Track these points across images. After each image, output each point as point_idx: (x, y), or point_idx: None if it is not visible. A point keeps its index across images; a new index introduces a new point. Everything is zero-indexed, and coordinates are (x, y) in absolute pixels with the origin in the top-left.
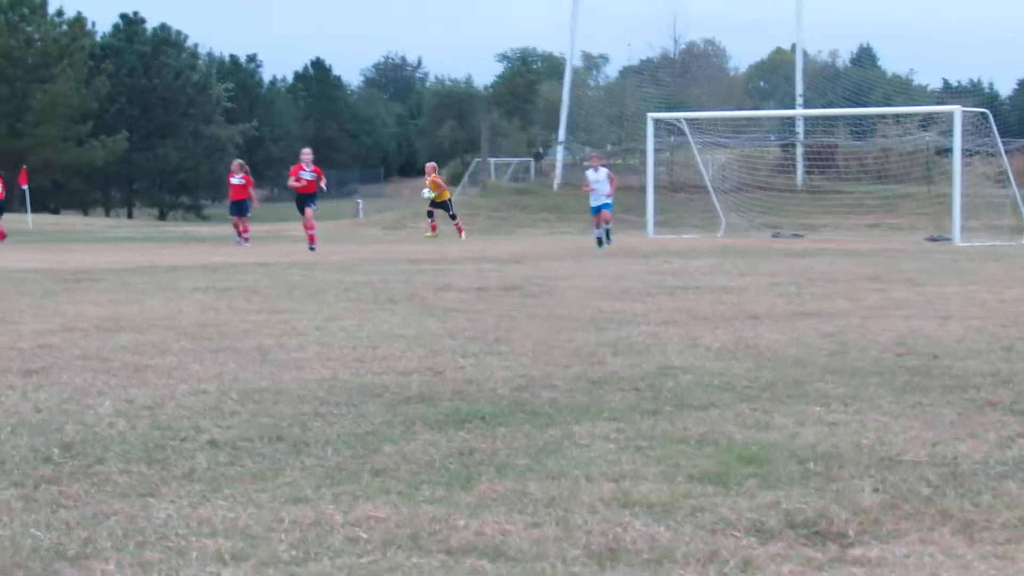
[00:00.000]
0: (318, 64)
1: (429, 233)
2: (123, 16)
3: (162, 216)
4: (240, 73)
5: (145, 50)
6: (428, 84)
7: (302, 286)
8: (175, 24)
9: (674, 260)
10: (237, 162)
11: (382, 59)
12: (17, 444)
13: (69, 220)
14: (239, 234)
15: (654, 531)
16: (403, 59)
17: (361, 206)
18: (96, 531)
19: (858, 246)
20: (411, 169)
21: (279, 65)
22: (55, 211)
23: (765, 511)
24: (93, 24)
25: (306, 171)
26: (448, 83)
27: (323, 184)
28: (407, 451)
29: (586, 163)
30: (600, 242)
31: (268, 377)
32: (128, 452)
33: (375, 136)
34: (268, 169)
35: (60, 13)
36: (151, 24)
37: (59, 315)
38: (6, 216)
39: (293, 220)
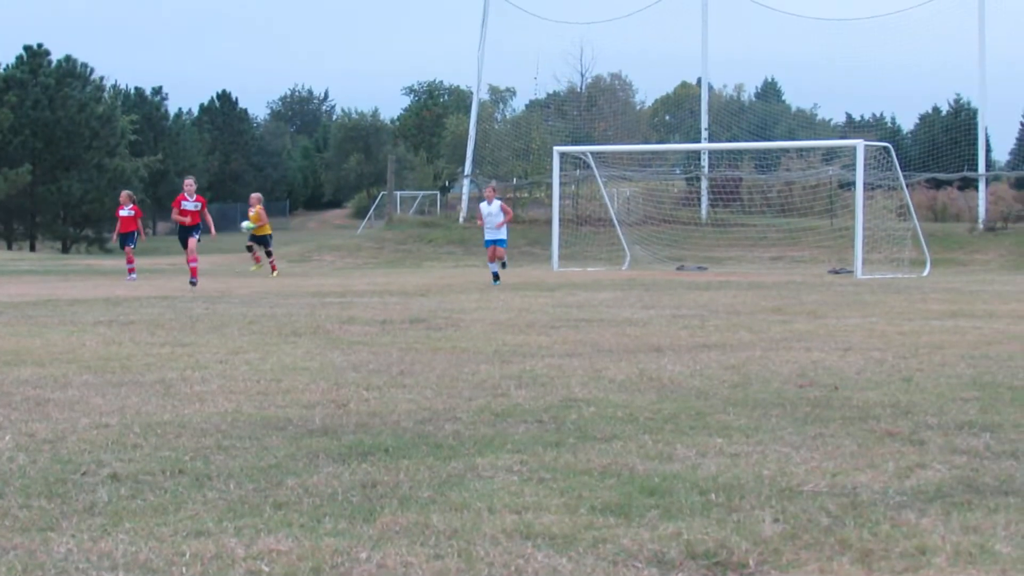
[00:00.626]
0: (224, 96)
1: (254, 266)
2: (27, 48)
3: (65, 249)
4: (145, 105)
5: (49, 82)
6: (335, 117)
7: (205, 319)
8: (80, 56)
9: (579, 293)
10: (126, 193)
11: (288, 91)
12: None
13: None
14: (131, 269)
15: (556, 563)
16: (310, 92)
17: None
18: None
19: (761, 279)
20: (317, 203)
21: (185, 97)
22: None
23: (667, 542)
24: None
25: (189, 202)
26: (355, 116)
27: (207, 218)
28: (310, 484)
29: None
30: (496, 277)
31: (171, 410)
32: (28, 486)
33: (281, 169)
34: (171, 202)
35: None
36: (56, 56)
37: None
38: None
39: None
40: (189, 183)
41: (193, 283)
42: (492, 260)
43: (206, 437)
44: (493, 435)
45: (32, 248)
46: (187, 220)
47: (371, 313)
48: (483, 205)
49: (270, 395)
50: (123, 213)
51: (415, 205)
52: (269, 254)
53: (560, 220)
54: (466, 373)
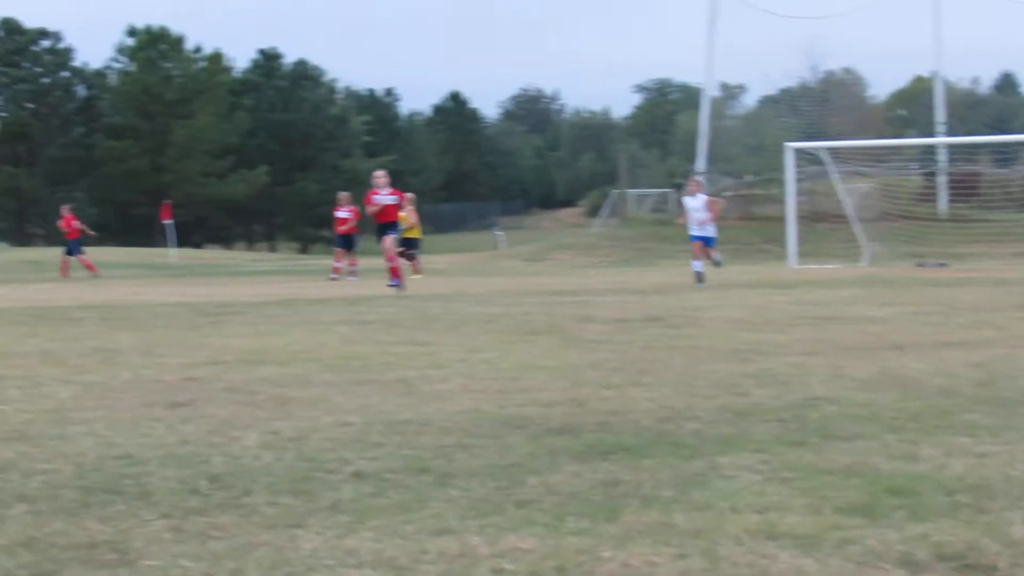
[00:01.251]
0: (455, 97)
1: (415, 275)
2: (261, 51)
3: (304, 250)
4: (378, 107)
5: (284, 85)
6: (566, 116)
7: (443, 318)
8: (312, 59)
9: (817, 290)
10: (344, 195)
11: (519, 91)
12: (165, 476)
13: (212, 254)
14: (337, 269)
15: (801, 563)
16: (540, 91)
17: (502, 238)
18: (244, 562)
19: (1004, 275)
20: (550, 201)
21: (417, 98)
22: (198, 245)
23: (914, 543)
24: (232, 60)
25: (382, 195)
26: (586, 115)
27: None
28: (552, 482)
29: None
30: (700, 277)
31: (411, 409)
32: (275, 484)
33: (514, 168)
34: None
35: (198, 50)
36: (289, 59)
37: (204, 348)
38: (147, 251)
39: (429, 252)
40: (380, 175)
41: (394, 285)
42: (697, 257)
43: (448, 435)
44: (734, 434)
45: (272, 249)
46: (381, 212)
47: (608, 312)
48: (687, 199)
49: (509, 393)
50: (340, 214)
51: (649, 203)
52: (411, 257)
53: (796, 217)
54: (704, 371)
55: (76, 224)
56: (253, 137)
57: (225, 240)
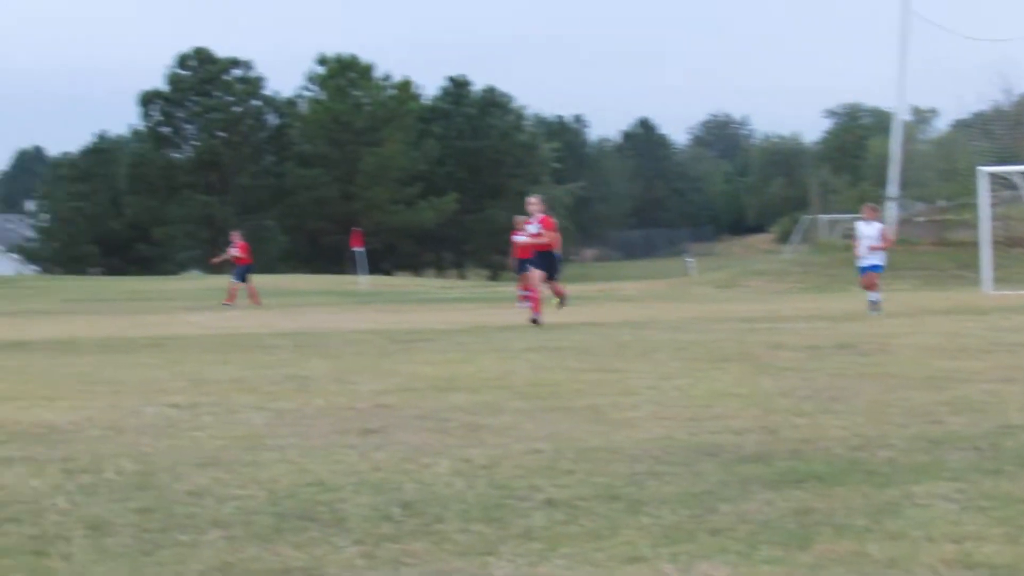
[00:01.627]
0: (644, 123)
1: (556, 301)
2: (450, 79)
3: (493, 277)
4: (566, 133)
5: (472, 112)
6: (755, 141)
7: (634, 345)
8: (501, 86)
9: (1013, 317)
10: (521, 218)
11: (709, 117)
12: (358, 502)
13: (402, 281)
14: (521, 296)
15: None
16: (729, 116)
17: (692, 265)
18: None
19: None
20: (740, 227)
21: (605, 125)
22: (388, 273)
23: None
24: (421, 87)
25: (533, 224)
26: (775, 140)
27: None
28: (743, 510)
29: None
30: (875, 305)
31: (602, 436)
32: (466, 511)
33: (703, 194)
34: (595, 228)
35: (388, 77)
36: (477, 86)
37: (395, 375)
38: (337, 278)
39: (623, 278)
40: (533, 201)
41: (535, 321)
42: (868, 288)
43: (638, 463)
44: (928, 462)
45: (461, 276)
46: (533, 244)
47: (799, 339)
48: (861, 225)
49: (701, 421)
50: (519, 239)
51: (840, 229)
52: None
53: (989, 242)
54: (897, 399)
55: (237, 252)
56: (442, 164)
57: (414, 267)
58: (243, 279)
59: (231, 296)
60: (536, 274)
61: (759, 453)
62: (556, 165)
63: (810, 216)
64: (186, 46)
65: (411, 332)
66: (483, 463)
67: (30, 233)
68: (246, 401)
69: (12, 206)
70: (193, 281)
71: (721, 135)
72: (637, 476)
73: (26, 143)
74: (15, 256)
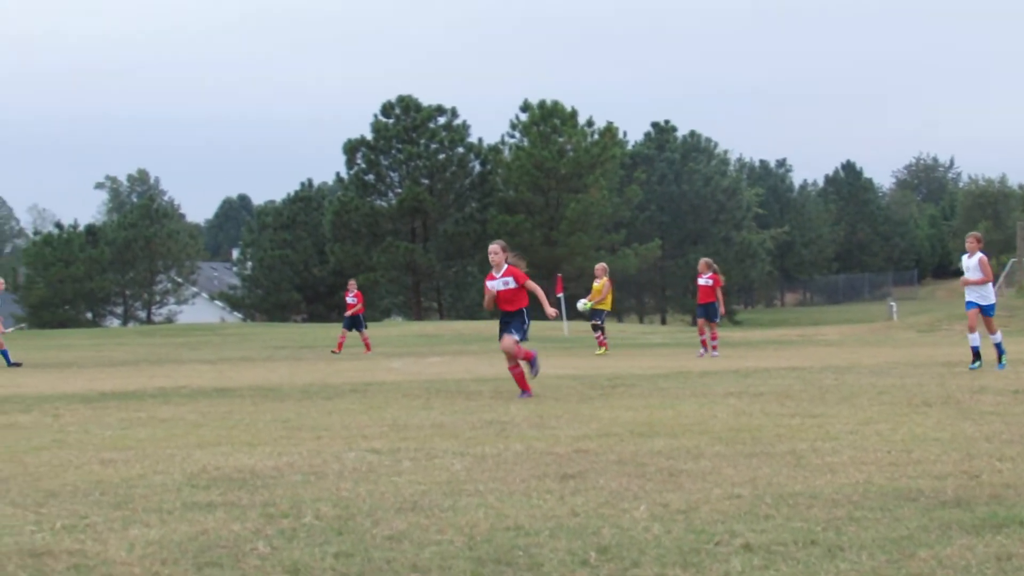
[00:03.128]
0: (848, 167)
1: (600, 350)
2: (654, 124)
3: (694, 322)
4: (770, 178)
5: (675, 157)
6: (961, 184)
7: (835, 390)
8: (704, 131)
9: None
10: (704, 261)
11: (913, 160)
12: (555, 547)
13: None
14: (703, 342)
15: None
16: (935, 159)
17: (895, 308)
18: None
19: None
20: (945, 271)
21: (809, 168)
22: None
23: None
24: (624, 133)
25: (496, 279)
26: (982, 182)
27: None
28: (943, 556)
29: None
30: (977, 356)
31: (802, 481)
32: (663, 556)
33: (908, 238)
34: (798, 273)
35: (591, 123)
36: (681, 132)
37: (595, 420)
38: (539, 324)
39: (825, 323)
40: (494, 250)
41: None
42: (973, 330)
43: (837, 508)
44: None
45: (663, 321)
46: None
47: (1003, 382)
48: (964, 259)
49: (901, 466)
50: (701, 282)
51: None
52: (597, 327)
53: None
54: None
55: (353, 300)
56: (644, 210)
57: (617, 313)
58: (356, 328)
59: (339, 344)
60: (508, 341)
61: (960, 498)
62: (759, 210)
63: (1016, 259)
64: (391, 95)
65: (612, 377)
66: (681, 508)
67: (234, 280)
68: (446, 446)
69: (217, 254)
70: (396, 327)
71: (927, 178)
72: (836, 521)
73: (232, 192)
74: (219, 303)
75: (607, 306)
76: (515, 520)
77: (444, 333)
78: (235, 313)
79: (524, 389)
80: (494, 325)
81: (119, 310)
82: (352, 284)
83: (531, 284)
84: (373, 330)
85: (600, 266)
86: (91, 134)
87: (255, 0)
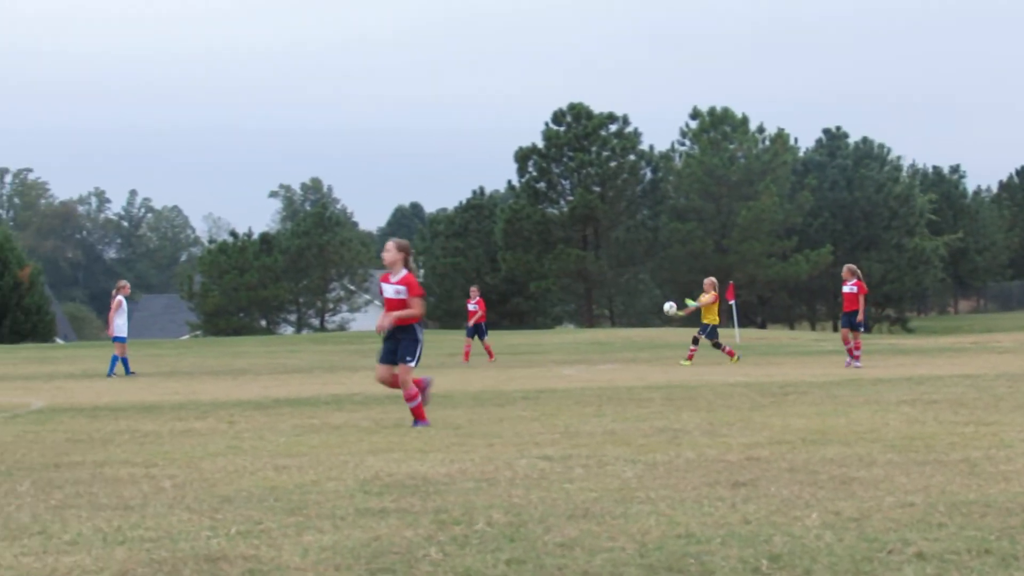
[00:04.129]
0: (1023, 172)
1: (685, 362)
2: (825, 131)
3: (867, 329)
4: (943, 184)
5: (847, 164)
6: None
7: (1009, 397)
8: (877, 137)
9: None
10: (848, 268)
11: None
12: (727, 555)
13: (775, 334)
14: (850, 351)
15: None
16: None
17: None
18: None
19: None
20: None
21: (983, 174)
22: (761, 325)
23: None
24: (795, 140)
25: (391, 282)
26: None
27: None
28: None
29: None
30: None
31: (975, 489)
32: (835, 564)
33: None
34: (972, 280)
35: (761, 130)
36: (853, 138)
37: (766, 428)
38: None
39: (999, 330)
40: (387, 249)
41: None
42: None
43: (1012, 517)
44: None
45: (834, 328)
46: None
47: None
48: None
49: None
50: (845, 289)
51: None
52: (718, 345)
53: None
54: None
55: (475, 308)
56: (816, 217)
57: (788, 320)
58: (478, 335)
59: (469, 355)
60: (385, 372)
61: None
62: (932, 216)
63: None
64: (561, 103)
65: (783, 385)
66: (853, 516)
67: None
68: (618, 453)
69: None
70: (568, 334)
71: None
72: (1010, 530)
73: (404, 200)
74: None
75: (712, 318)
76: (686, 527)
77: (615, 340)
78: None
79: (418, 418)
80: (663, 332)
81: (292, 317)
82: (474, 291)
83: (417, 302)
84: (544, 337)
85: (709, 280)
86: (265, 144)
87: (424, 11)
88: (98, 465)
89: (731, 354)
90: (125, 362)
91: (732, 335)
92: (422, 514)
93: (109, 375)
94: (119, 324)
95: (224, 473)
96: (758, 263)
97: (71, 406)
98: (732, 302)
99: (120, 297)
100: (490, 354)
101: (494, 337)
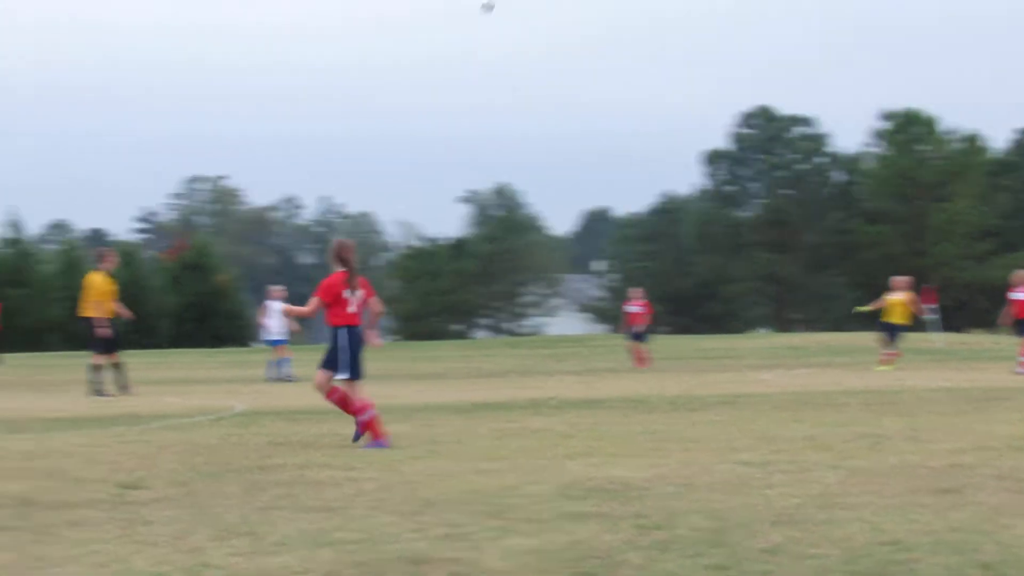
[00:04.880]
0: None
1: (883, 367)
2: (1020, 131)
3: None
4: None
5: None
6: None
7: None
8: None
9: None
10: (1020, 273)
11: None
12: (934, 563)
13: (976, 339)
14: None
15: None
16: None
17: None
18: None
19: None
20: None
21: None
22: (959, 330)
23: None
24: (989, 140)
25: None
26: None
27: None
28: None
29: None
30: None
31: None
32: None
33: None
34: None
35: (953, 131)
36: None
37: (970, 433)
38: (910, 335)
39: None
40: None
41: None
42: None
43: None
44: None
45: None
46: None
47: None
48: None
49: None
50: (1015, 296)
51: None
52: (889, 344)
53: None
54: None
55: (638, 311)
56: (1015, 218)
57: (988, 324)
58: (640, 339)
59: (642, 360)
60: (322, 376)
61: None
62: None
63: None
64: (748, 105)
65: (986, 390)
66: None
67: (598, 292)
68: (818, 459)
69: (580, 266)
70: (762, 339)
71: None
72: None
73: (593, 204)
74: (585, 315)
75: (903, 320)
76: (892, 535)
77: (810, 345)
78: (601, 325)
79: (374, 437)
80: (859, 336)
81: (485, 322)
82: (636, 293)
83: (313, 300)
84: (738, 341)
85: (901, 279)
86: (454, 149)
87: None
88: (300, 468)
89: (889, 361)
90: (278, 364)
91: (933, 339)
92: (622, 518)
93: (276, 378)
94: (272, 327)
95: (424, 476)
96: (953, 266)
97: (271, 409)
98: (931, 307)
99: (269, 302)
100: (642, 361)
101: (685, 341)
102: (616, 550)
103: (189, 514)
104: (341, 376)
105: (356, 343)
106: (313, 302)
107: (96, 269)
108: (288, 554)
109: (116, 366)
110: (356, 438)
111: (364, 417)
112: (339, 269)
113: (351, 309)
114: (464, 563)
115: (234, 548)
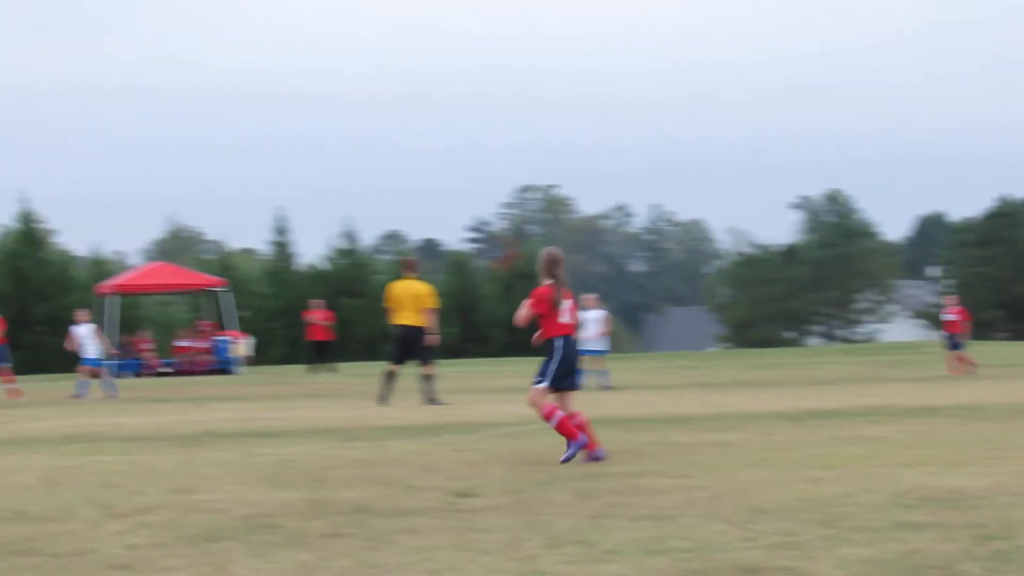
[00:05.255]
0: None
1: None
2: None
3: None
4: None
5: None
6: None
7: None
8: None
9: None
10: None
11: None
12: None
13: None
14: None
15: None
16: None
17: None
18: None
19: None
20: None
21: None
22: None
23: None
24: None
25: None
26: None
27: None
28: None
29: None
30: None
31: None
32: None
33: None
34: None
35: None
36: None
37: None
38: None
39: None
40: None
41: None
42: None
43: None
44: None
45: None
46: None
47: None
48: None
49: None
50: None
51: None
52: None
53: None
54: None
55: (955, 318)
56: None
57: None
58: (955, 347)
59: (960, 366)
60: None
61: None
62: None
63: None
64: None
65: None
66: None
67: (932, 299)
68: None
69: (914, 272)
70: None
71: None
72: None
73: (928, 208)
74: (919, 321)
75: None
76: None
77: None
78: (936, 332)
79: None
80: None
81: (818, 328)
82: (953, 300)
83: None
84: None
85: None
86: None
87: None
88: (631, 476)
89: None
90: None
91: None
92: (959, 528)
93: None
94: (588, 337)
95: (757, 484)
96: None
97: (602, 417)
98: None
99: (583, 312)
100: (958, 368)
101: (1011, 348)
102: (953, 560)
103: (521, 522)
104: (538, 382)
105: (571, 352)
106: (526, 312)
107: (406, 277)
108: (620, 562)
109: (427, 377)
110: (575, 456)
111: (552, 422)
112: (547, 282)
113: (565, 319)
114: (797, 572)
115: (566, 556)
